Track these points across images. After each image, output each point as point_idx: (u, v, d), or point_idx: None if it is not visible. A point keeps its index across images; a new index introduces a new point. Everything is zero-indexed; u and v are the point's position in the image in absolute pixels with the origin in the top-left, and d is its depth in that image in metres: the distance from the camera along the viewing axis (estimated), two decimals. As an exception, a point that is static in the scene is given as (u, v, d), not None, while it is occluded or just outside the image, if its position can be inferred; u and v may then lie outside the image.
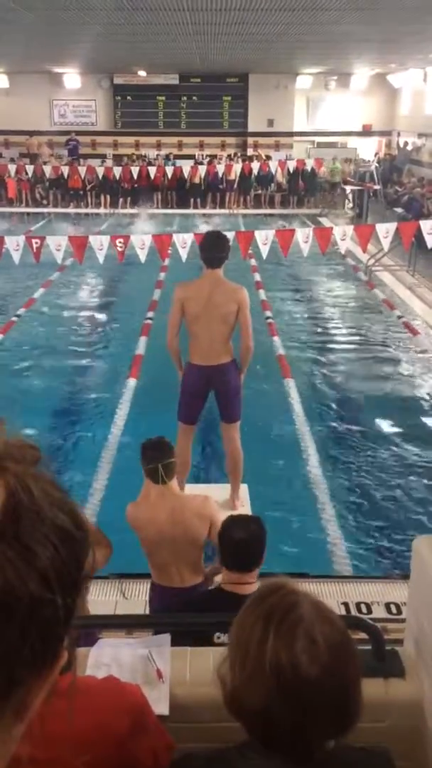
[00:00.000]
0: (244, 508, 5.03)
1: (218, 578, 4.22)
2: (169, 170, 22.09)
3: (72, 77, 23.82)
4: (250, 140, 25.08)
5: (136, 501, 3.64)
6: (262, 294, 12.04)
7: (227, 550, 2.92)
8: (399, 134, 24.85)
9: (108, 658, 1.98)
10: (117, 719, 1.36)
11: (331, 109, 25.14)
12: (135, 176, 22.02)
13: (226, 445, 5.40)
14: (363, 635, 1.99)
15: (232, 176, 22.39)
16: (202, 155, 24.25)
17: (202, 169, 22.15)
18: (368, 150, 25.12)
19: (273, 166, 22.54)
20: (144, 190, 22.49)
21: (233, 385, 5.12)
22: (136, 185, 22.32)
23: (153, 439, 3.71)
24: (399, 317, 11.37)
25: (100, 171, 22.07)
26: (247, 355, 5.10)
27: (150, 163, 22.94)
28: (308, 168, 22.70)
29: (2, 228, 18.25)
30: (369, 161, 23.55)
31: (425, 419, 7.76)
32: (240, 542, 2.88)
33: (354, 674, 1.19)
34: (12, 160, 23.14)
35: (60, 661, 0.61)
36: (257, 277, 13.00)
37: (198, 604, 3.13)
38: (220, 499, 4.94)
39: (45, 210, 22.38)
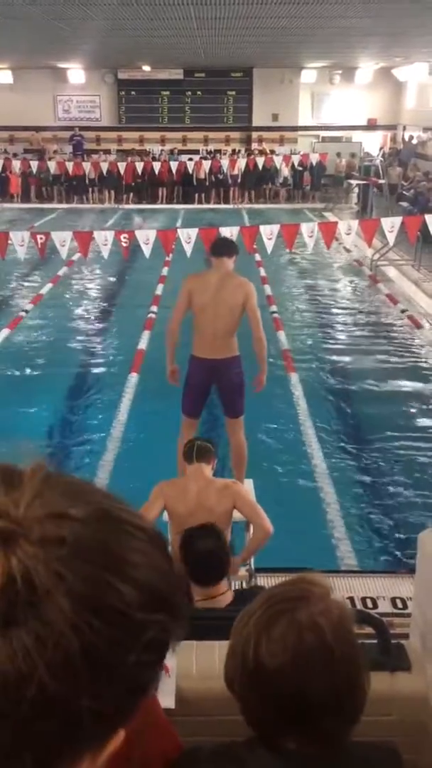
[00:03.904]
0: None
1: (241, 573, 4.25)
2: (173, 165, 22.04)
3: (76, 72, 23.76)
4: (255, 135, 25.02)
5: (170, 479, 3.81)
6: (268, 289, 12.02)
7: (190, 565, 2.80)
8: (404, 128, 24.76)
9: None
10: None
11: (335, 104, 25.06)
12: (139, 171, 22.01)
13: (230, 440, 5.40)
14: (369, 629, 1.99)
15: (236, 171, 22.34)
16: (207, 150, 24.19)
17: (206, 164, 22.10)
18: (373, 144, 25.04)
19: (278, 160, 22.48)
20: (139, 185, 22.45)
21: (236, 380, 5.10)
22: (139, 180, 22.29)
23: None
24: (403, 311, 11.34)
25: (104, 166, 22.04)
26: (260, 348, 5.04)
27: (154, 158, 22.89)
28: (313, 162, 22.63)
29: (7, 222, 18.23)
30: (374, 156, 23.47)
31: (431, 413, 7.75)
32: (201, 555, 2.82)
33: (328, 680, 1.08)
34: (14, 155, 23.10)
35: (104, 751, 0.54)
36: (262, 272, 12.98)
37: None
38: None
39: (50, 206, 22.35)
